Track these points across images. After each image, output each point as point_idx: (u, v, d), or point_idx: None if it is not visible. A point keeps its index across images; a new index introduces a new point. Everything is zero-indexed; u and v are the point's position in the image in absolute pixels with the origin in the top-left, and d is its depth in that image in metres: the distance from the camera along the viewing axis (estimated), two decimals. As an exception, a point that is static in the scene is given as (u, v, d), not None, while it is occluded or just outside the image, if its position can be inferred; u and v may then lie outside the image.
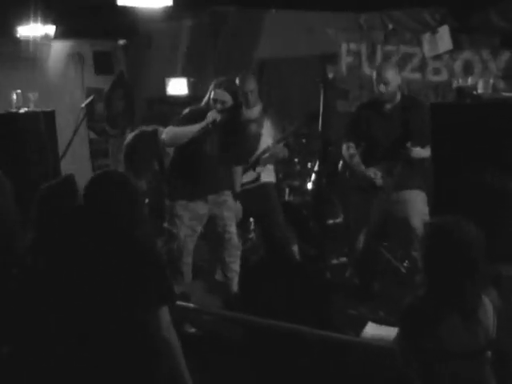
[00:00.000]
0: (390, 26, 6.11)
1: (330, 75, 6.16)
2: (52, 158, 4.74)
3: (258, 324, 4.02)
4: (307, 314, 4.04)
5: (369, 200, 4.85)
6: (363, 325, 4.01)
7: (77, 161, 6.95)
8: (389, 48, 6.14)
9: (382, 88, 4.69)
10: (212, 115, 4.44)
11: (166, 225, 4.67)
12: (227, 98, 4.51)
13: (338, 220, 6.03)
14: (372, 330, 3.92)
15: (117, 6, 5.24)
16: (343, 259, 5.70)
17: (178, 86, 7.62)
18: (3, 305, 2.60)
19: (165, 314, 2.49)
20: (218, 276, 5.14)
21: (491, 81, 3.84)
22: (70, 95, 7.92)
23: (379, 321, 4.12)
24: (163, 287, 2.52)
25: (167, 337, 2.48)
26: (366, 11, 6.20)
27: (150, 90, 8.16)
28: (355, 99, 6.16)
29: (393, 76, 4.71)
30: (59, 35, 6.85)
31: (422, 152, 4.56)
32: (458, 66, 5.75)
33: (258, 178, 5.19)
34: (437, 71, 5.90)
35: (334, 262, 5.69)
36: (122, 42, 8.39)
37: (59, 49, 7.93)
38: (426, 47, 5.89)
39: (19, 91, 4.70)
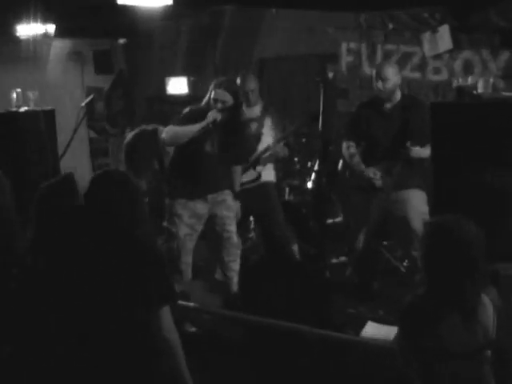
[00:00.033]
0: (390, 26, 6.10)
1: (330, 74, 6.14)
2: (52, 157, 4.74)
3: (257, 323, 4.02)
4: (307, 314, 4.04)
5: (369, 199, 4.85)
6: (363, 324, 4.02)
7: (77, 160, 6.93)
8: (389, 47, 6.13)
9: (380, 85, 4.69)
10: (212, 115, 4.44)
11: (165, 224, 4.68)
12: (227, 98, 4.52)
13: (338, 219, 6.04)
14: (372, 329, 3.92)
15: (117, 5, 5.22)
16: (343, 258, 5.71)
17: (178, 85, 7.62)
18: (3, 305, 2.60)
19: (166, 313, 2.48)
20: (218, 275, 5.15)
21: (491, 80, 3.83)
22: (70, 94, 7.90)
23: (379, 320, 4.13)
24: (164, 287, 2.51)
25: (168, 337, 2.47)
26: (366, 10, 6.20)
27: (150, 89, 8.16)
28: (355, 98, 6.15)
29: (391, 73, 4.71)
30: (59, 34, 6.82)
31: (421, 151, 4.56)
32: (457, 65, 5.74)
33: (258, 178, 5.20)
34: (437, 71, 5.90)
35: (334, 261, 5.69)
36: (121, 41, 8.39)
37: (59, 48, 7.92)
38: (426, 47, 5.89)
39: (19, 90, 4.69)
